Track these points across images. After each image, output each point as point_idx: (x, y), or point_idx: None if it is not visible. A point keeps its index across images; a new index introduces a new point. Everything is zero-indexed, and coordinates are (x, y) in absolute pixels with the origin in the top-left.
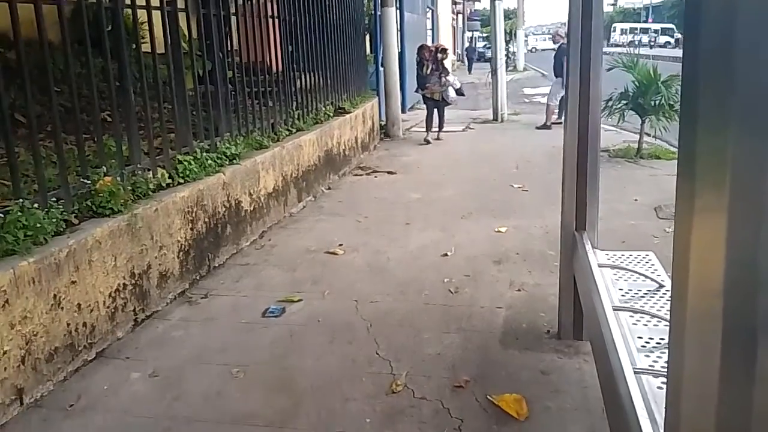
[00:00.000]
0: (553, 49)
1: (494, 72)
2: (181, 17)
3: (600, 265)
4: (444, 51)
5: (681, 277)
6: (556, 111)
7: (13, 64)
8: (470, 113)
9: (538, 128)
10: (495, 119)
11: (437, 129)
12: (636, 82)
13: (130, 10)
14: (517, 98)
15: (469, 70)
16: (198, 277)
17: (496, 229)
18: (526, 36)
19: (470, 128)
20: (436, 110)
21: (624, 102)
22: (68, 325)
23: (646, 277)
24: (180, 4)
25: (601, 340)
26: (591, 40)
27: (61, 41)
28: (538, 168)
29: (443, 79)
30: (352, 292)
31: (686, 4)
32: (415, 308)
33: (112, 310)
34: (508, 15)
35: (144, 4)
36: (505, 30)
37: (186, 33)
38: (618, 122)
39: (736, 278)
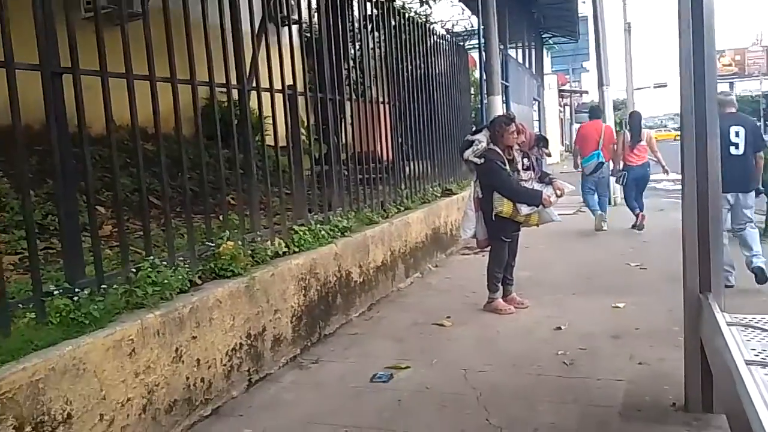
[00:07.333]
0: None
1: None
2: (301, 105)
3: (729, 324)
4: (544, 141)
5: None
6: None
7: (151, 154)
8: (579, 198)
9: None
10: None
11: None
12: None
13: (256, 109)
14: None
15: None
16: (309, 344)
17: (613, 305)
18: None
19: (581, 211)
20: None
21: None
22: (187, 379)
23: None
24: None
25: (737, 402)
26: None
27: (194, 135)
28: (657, 246)
29: (557, 183)
30: (461, 362)
31: None
32: (528, 379)
33: (229, 369)
34: (617, 106)
35: (268, 87)
36: (615, 121)
37: (305, 119)
38: None
39: None
